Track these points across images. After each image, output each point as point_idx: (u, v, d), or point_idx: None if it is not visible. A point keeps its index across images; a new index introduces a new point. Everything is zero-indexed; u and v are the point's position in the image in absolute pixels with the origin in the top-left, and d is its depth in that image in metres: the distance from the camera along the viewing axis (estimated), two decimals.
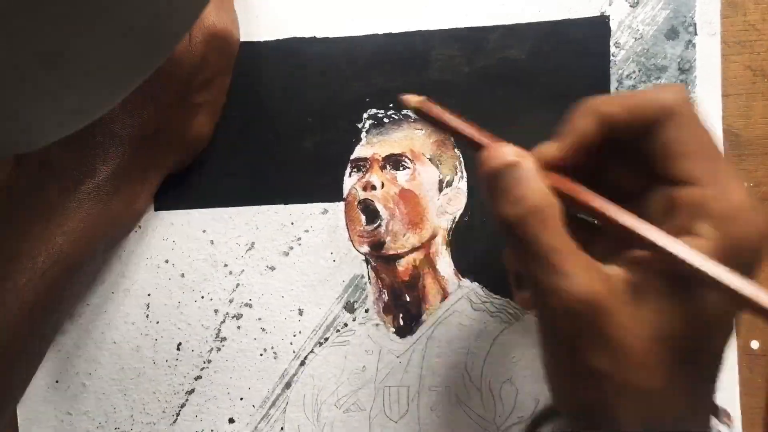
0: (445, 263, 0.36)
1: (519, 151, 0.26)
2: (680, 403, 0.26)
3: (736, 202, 0.25)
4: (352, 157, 0.37)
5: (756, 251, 0.25)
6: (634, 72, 0.35)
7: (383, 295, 0.37)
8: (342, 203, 0.37)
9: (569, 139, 0.27)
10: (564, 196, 0.26)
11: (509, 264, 0.31)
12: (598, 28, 0.35)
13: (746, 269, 0.25)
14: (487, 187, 0.27)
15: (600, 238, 0.28)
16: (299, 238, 0.37)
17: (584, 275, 0.24)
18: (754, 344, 0.35)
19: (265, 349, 0.37)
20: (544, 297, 0.25)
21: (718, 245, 0.24)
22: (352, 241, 0.37)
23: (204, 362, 0.37)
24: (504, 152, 0.26)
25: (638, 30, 0.35)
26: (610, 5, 0.35)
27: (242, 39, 0.37)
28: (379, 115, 0.37)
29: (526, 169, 0.26)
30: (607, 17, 0.35)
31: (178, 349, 0.37)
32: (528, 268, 0.26)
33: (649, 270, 0.25)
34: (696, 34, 0.35)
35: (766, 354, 0.35)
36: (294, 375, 0.37)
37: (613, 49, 0.35)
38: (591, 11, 0.35)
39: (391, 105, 0.36)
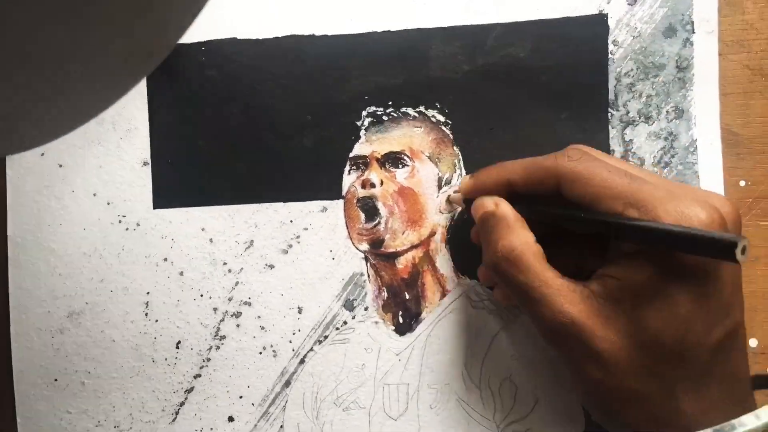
0: (444, 261, 0.36)
1: (496, 199, 0.32)
2: (675, 400, 0.27)
3: (657, 215, 0.26)
4: (351, 154, 0.37)
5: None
6: (632, 70, 0.36)
7: (382, 293, 0.37)
8: (341, 201, 0.37)
9: (474, 188, 0.33)
10: (540, 216, 0.31)
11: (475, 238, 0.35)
12: (596, 26, 0.35)
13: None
14: (481, 234, 0.32)
15: (584, 261, 0.31)
16: (298, 236, 0.37)
17: (560, 300, 0.28)
18: (753, 342, 0.36)
19: (264, 347, 0.37)
20: (538, 324, 0.29)
21: (661, 260, 0.27)
22: (351, 238, 0.37)
23: (203, 360, 0.37)
24: (483, 203, 0.32)
25: (636, 28, 0.35)
26: (608, 3, 0.35)
27: (241, 36, 0.37)
28: (378, 113, 0.37)
29: (500, 216, 0.31)
30: (606, 15, 0.35)
31: (177, 347, 0.37)
32: (517, 302, 0.30)
33: (622, 279, 0.27)
34: (694, 32, 0.35)
35: (765, 352, 0.35)
36: (293, 373, 0.37)
37: (611, 47, 0.35)
38: (590, 9, 0.35)
39: (390, 102, 0.36)
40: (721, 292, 0.27)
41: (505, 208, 0.31)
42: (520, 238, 0.30)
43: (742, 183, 0.36)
